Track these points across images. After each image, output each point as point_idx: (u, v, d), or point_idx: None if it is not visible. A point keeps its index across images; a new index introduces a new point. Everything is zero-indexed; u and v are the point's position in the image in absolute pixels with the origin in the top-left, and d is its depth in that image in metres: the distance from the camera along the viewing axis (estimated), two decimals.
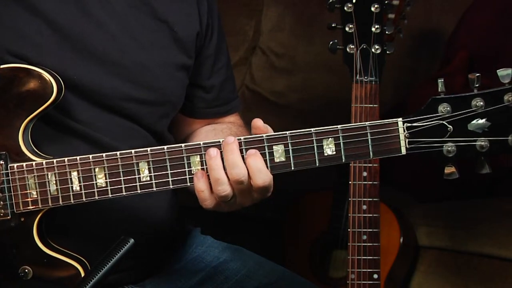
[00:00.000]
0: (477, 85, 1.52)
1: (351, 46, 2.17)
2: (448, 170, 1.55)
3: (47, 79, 1.62)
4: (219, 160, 1.56)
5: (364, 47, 2.17)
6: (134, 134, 1.80)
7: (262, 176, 1.55)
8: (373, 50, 2.17)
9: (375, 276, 2.24)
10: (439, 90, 1.54)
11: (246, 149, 1.56)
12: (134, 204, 1.74)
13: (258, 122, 1.58)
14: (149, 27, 1.80)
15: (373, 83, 2.18)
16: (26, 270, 1.63)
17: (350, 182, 2.22)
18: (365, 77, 2.18)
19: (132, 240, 1.54)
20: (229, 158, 1.55)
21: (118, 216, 1.75)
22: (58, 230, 1.68)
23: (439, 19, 3.30)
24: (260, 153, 1.56)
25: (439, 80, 1.54)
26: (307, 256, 2.79)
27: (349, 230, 2.24)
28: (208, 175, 1.57)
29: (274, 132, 1.58)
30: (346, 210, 2.62)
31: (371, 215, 2.22)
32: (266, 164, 1.56)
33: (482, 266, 2.71)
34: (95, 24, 1.74)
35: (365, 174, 2.21)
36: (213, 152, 1.56)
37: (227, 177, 1.56)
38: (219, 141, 1.57)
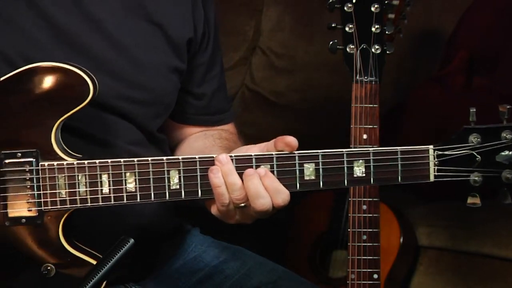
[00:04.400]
0: (506, 117, 1.53)
1: (351, 46, 2.17)
2: (472, 200, 1.57)
3: (85, 80, 1.61)
4: (231, 165, 1.57)
5: (364, 47, 2.17)
6: (126, 131, 1.80)
7: (282, 196, 1.58)
8: (373, 50, 2.17)
9: (375, 276, 2.24)
10: (470, 119, 1.55)
11: (278, 165, 1.57)
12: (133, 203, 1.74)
13: (293, 142, 1.58)
14: (144, 29, 1.80)
15: (373, 83, 2.18)
16: (49, 268, 1.63)
17: None
18: (365, 77, 2.18)
19: (132, 240, 1.54)
20: (251, 189, 1.56)
21: (117, 216, 1.75)
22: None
23: (439, 19, 3.30)
24: (291, 170, 1.58)
25: (471, 110, 1.55)
26: (307, 256, 2.79)
27: (349, 230, 2.24)
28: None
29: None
30: (346, 210, 2.62)
31: (371, 215, 2.22)
32: (295, 181, 1.58)
33: (483, 266, 2.71)
34: (91, 22, 1.74)
35: None
36: (223, 158, 1.56)
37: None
38: (251, 155, 1.57)
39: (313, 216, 2.80)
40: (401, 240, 2.65)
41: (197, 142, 1.95)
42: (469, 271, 2.73)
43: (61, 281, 1.63)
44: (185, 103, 1.95)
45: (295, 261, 2.81)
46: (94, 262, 1.62)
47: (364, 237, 2.23)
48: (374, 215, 2.22)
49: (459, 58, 3.02)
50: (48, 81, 1.62)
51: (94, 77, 1.63)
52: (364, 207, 2.22)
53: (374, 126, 2.17)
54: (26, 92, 1.62)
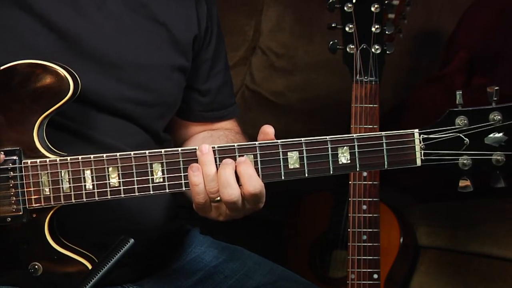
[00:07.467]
0: (495, 99, 1.51)
1: (351, 46, 2.18)
2: (463, 183, 1.55)
3: (64, 76, 1.61)
4: (211, 156, 1.56)
5: (364, 47, 2.17)
6: (130, 132, 1.80)
7: (253, 182, 1.55)
8: (373, 50, 2.17)
9: (375, 276, 2.24)
10: (457, 102, 1.53)
11: (261, 154, 1.56)
12: (132, 203, 1.74)
13: (269, 129, 1.58)
14: (146, 28, 1.80)
15: (373, 83, 2.18)
16: (36, 266, 1.63)
17: (350, 182, 2.22)
18: (365, 77, 2.18)
19: (132, 240, 1.54)
20: (222, 176, 1.55)
21: (116, 215, 1.75)
22: (59, 227, 1.68)
23: (439, 19, 3.30)
24: (275, 159, 1.56)
25: (457, 92, 1.53)
26: (307, 256, 2.79)
27: (349, 230, 2.24)
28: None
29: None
30: (346, 210, 2.62)
31: (371, 215, 2.22)
32: (280, 170, 1.56)
33: (482, 266, 2.71)
34: (91, 24, 1.74)
35: (365, 174, 2.21)
36: (205, 148, 1.56)
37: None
38: (233, 145, 1.56)
39: (313, 216, 2.80)
40: (401, 240, 2.65)
41: (205, 142, 1.93)
42: (469, 271, 2.73)
43: (48, 280, 1.63)
44: (190, 100, 1.95)
45: (295, 261, 2.81)
46: (83, 261, 1.62)
47: (364, 237, 2.23)
48: (374, 215, 2.22)
49: (459, 58, 3.02)
50: (28, 79, 1.62)
51: (75, 74, 1.63)
52: (364, 207, 2.22)
53: (374, 126, 2.17)
54: (7, 90, 1.62)
